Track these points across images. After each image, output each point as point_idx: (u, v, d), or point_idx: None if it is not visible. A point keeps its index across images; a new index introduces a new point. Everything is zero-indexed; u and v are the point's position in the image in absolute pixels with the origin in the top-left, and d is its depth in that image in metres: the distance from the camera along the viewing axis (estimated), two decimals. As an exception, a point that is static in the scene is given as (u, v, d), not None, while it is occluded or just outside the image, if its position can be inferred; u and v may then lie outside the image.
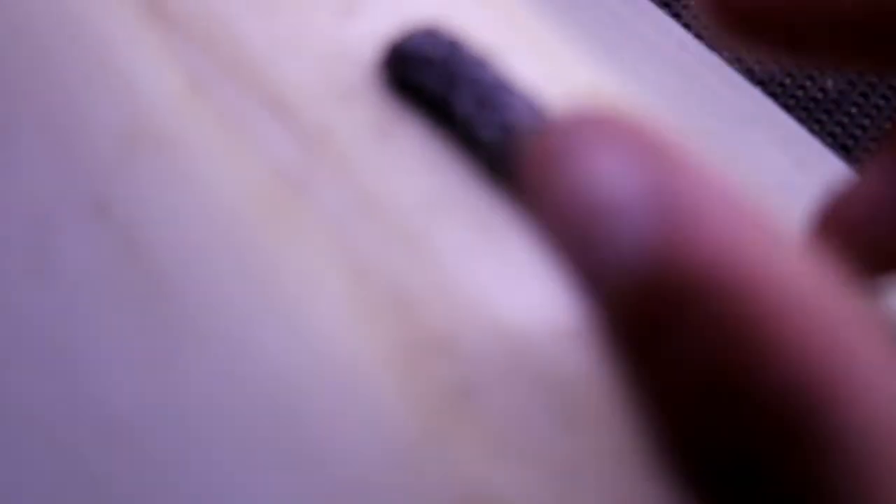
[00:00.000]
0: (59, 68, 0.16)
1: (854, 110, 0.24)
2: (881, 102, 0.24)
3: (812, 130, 0.23)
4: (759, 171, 0.18)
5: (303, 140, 0.13)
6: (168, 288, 0.14)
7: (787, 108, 0.24)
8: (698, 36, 0.25)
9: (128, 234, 0.14)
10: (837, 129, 0.23)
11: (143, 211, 0.14)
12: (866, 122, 0.24)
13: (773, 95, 0.24)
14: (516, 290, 0.12)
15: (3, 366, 0.15)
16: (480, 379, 0.12)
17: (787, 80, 0.24)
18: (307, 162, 0.13)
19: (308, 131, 0.13)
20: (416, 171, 0.13)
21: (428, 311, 0.12)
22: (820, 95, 0.24)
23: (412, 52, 0.13)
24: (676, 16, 0.25)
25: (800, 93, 0.24)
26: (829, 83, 0.24)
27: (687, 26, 0.25)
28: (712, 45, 0.25)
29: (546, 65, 0.15)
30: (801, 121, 0.23)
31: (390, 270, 0.12)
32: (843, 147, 0.23)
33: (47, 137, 0.16)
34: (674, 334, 0.08)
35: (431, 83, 0.13)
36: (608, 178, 0.08)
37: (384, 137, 0.13)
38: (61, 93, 0.16)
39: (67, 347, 0.15)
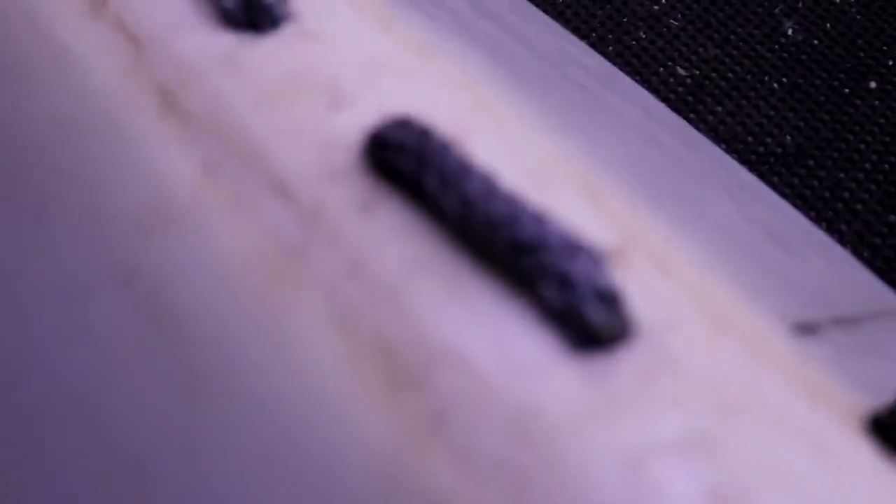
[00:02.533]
0: (89, 158, 0.18)
1: (811, 163, 0.26)
2: (835, 155, 0.26)
3: (772, 183, 0.25)
4: (713, 222, 0.20)
5: (299, 215, 0.16)
6: (187, 344, 0.16)
7: (750, 162, 0.26)
8: (666, 100, 0.27)
9: (151, 301, 0.17)
10: (795, 181, 0.25)
11: (164, 280, 0.17)
12: (822, 173, 0.26)
13: (736, 152, 0.26)
14: (483, 336, 0.14)
15: (41, 414, 0.17)
16: (451, 410, 0.14)
17: (749, 138, 0.26)
18: (303, 234, 0.15)
19: (303, 208, 0.16)
20: (395, 239, 0.15)
21: (407, 356, 0.14)
22: (779, 150, 0.26)
23: (388, 140, 0.15)
24: (647, 82, 0.28)
25: (761, 149, 0.26)
26: (788, 139, 0.26)
27: (656, 91, 0.27)
28: (680, 109, 0.27)
29: (508, 142, 0.17)
30: (762, 174, 0.26)
31: (375, 323, 0.15)
32: (800, 197, 0.25)
33: (79, 218, 0.18)
34: None
35: (405, 166, 0.15)
36: None
37: (367, 212, 0.15)
38: (92, 179, 0.18)
39: (98, 396, 0.17)
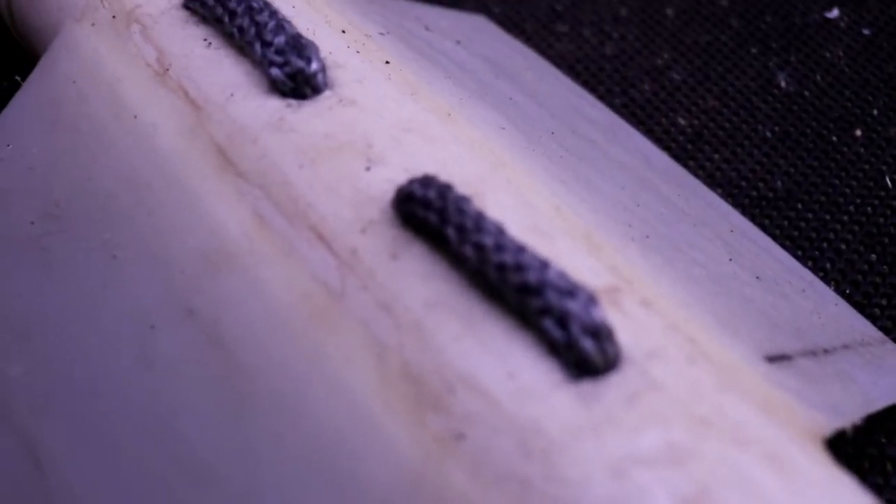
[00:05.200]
0: (155, 208, 0.21)
1: (800, 206, 0.28)
2: (822, 198, 0.28)
3: (763, 225, 0.27)
4: (702, 264, 0.22)
5: (337, 262, 0.18)
6: (242, 369, 0.18)
7: (743, 206, 0.28)
8: (668, 148, 0.29)
9: (211, 331, 0.19)
10: (785, 223, 0.27)
11: (222, 312, 0.19)
12: (809, 216, 0.28)
13: (731, 196, 0.28)
14: (495, 365, 0.16)
15: (113, 429, 0.20)
16: (467, 427, 0.16)
17: (743, 183, 0.29)
18: (341, 278, 0.18)
19: (341, 256, 0.18)
20: (419, 282, 0.17)
21: (430, 381, 0.17)
22: (771, 195, 0.28)
23: (414, 196, 0.18)
24: (650, 131, 0.30)
25: (754, 193, 0.28)
26: (779, 183, 0.29)
27: (659, 140, 0.30)
28: (680, 156, 0.29)
29: (519, 196, 0.19)
30: (754, 217, 0.28)
31: (402, 353, 0.17)
32: (789, 237, 0.27)
33: (148, 259, 0.20)
34: None
35: (429, 219, 0.17)
36: None
37: (396, 259, 0.18)
38: (158, 226, 0.20)
39: (165, 415, 0.19)
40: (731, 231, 0.25)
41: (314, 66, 0.21)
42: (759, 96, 0.31)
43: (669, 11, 0.34)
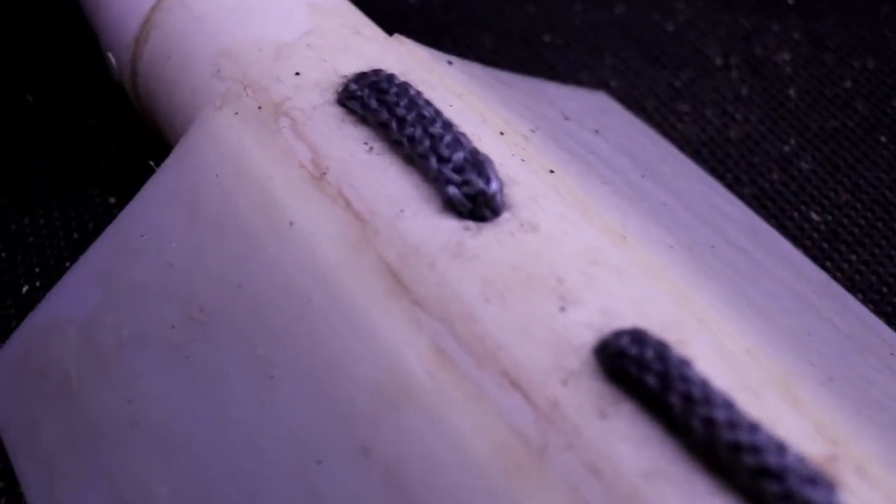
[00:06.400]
0: (316, 326, 0.20)
1: None
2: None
3: None
4: (881, 404, 0.21)
5: (536, 414, 0.17)
6: None
7: (886, 315, 0.27)
8: (803, 246, 0.28)
9: (389, 473, 0.18)
10: None
11: (404, 455, 0.18)
12: None
13: (872, 302, 0.27)
14: None
15: None
16: None
17: (884, 289, 0.28)
18: (542, 432, 0.17)
19: (540, 407, 0.17)
20: (634, 447, 0.16)
21: None
22: None
23: (626, 353, 0.17)
24: (783, 227, 0.29)
25: None
26: None
27: (793, 238, 0.29)
28: (816, 256, 0.28)
29: (715, 343, 0.18)
30: None
31: None
32: None
33: (310, 383, 0.19)
34: None
35: (646, 381, 0.16)
36: None
37: (605, 419, 0.17)
38: (321, 347, 0.19)
39: None
40: (892, 354, 0.24)
41: (493, 185, 0.20)
42: (893, 191, 0.30)
43: (792, 92, 0.33)
